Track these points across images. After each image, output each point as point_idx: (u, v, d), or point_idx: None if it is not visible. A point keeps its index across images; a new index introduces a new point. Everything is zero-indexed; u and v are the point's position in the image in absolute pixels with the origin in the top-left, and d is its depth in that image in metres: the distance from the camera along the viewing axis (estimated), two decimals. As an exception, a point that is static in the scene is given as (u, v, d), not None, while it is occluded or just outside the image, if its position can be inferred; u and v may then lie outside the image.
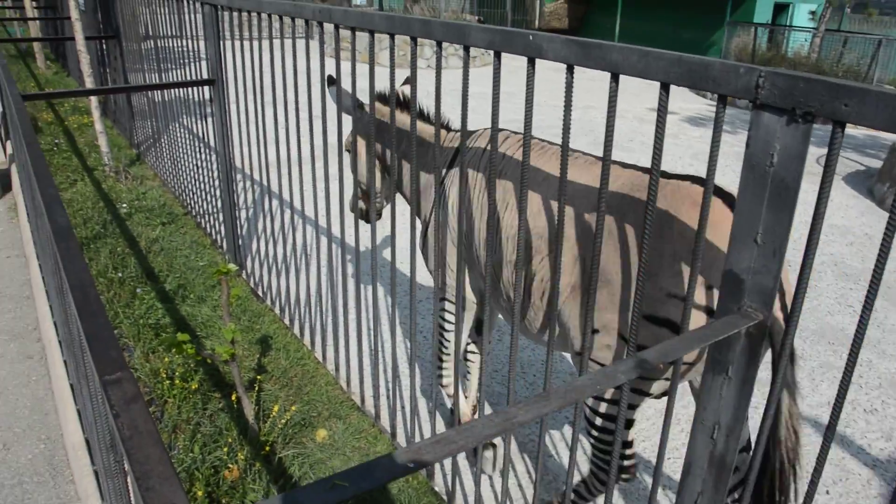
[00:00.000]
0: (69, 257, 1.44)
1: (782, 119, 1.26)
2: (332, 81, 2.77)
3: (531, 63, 1.75)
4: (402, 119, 2.66)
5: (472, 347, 2.89)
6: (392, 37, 2.21)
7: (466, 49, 1.92)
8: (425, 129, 2.64)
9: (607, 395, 2.07)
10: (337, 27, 2.50)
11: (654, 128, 1.47)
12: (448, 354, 2.75)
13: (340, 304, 3.77)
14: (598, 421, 2.13)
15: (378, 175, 2.90)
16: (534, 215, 2.16)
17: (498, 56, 1.84)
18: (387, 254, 4.73)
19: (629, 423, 2.17)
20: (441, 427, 3.09)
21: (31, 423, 3.14)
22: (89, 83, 6.07)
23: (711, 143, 1.39)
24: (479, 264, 2.37)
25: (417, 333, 3.77)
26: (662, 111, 1.47)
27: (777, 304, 1.55)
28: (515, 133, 2.38)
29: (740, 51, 15.40)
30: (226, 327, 2.57)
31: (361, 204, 3.13)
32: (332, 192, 2.96)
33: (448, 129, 2.67)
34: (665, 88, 1.46)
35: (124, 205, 5.24)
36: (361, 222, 3.56)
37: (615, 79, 1.55)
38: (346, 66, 10.89)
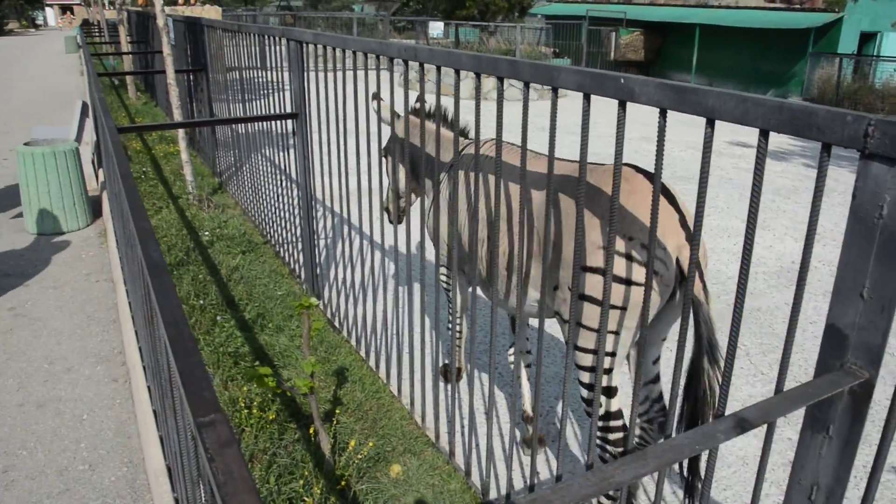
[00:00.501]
0: (163, 293, 1.48)
1: (893, 169, 1.20)
2: (376, 97, 3.21)
3: (622, 106, 1.72)
4: (432, 129, 3.04)
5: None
6: (478, 76, 2.22)
7: (555, 90, 1.91)
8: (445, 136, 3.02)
9: (587, 363, 2.34)
10: (422, 65, 2.52)
11: (752, 175, 1.43)
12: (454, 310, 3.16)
13: (417, 339, 3.77)
14: (585, 393, 2.40)
15: (404, 179, 3.21)
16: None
17: (587, 98, 1.82)
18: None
19: (610, 392, 2.39)
20: (518, 467, 3.04)
21: (115, 445, 3.22)
22: (177, 115, 6.30)
23: (814, 197, 1.34)
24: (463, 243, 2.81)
25: (496, 373, 3.73)
26: (761, 158, 1.42)
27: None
28: (510, 144, 2.70)
29: (824, 83, 15.00)
30: (305, 360, 2.59)
31: (390, 206, 3.47)
32: (409, 224, 2.97)
33: (466, 136, 3.07)
34: (764, 135, 1.41)
35: (206, 233, 5.38)
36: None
37: (710, 125, 1.51)
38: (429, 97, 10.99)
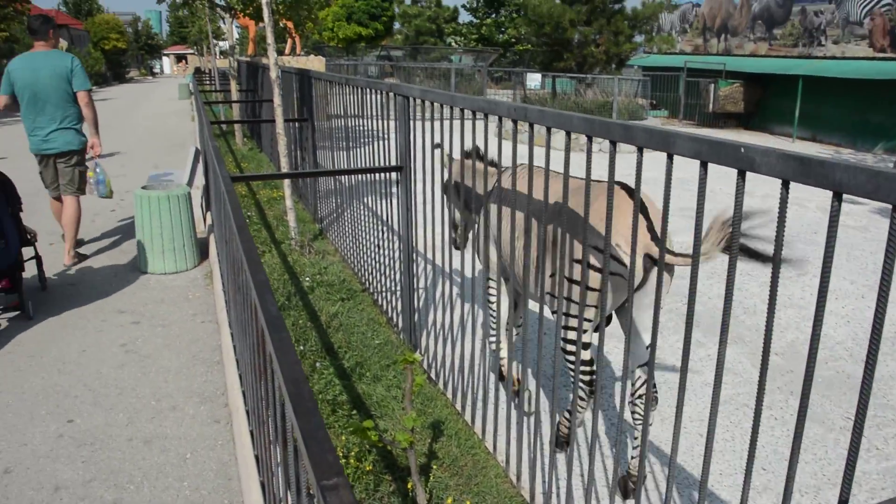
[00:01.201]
0: (282, 349, 1.52)
1: None
2: (438, 146, 3.87)
3: (741, 176, 1.69)
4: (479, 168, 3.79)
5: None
6: (589, 139, 2.22)
7: (670, 157, 1.90)
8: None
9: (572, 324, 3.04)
10: (532, 125, 2.54)
11: (884, 250, 1.37)
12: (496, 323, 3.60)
13: (513, 397, 3.74)
14: (569, 346, 3.09)
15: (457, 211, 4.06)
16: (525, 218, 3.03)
17: (704, 167, 1.80)
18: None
19: (586, 346, 3.02)
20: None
21: (216, 486, 3.29)
22: (284, 163, 6.53)
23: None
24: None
25: (595, 435, 3.67)
26: (893, 239, 1.37)
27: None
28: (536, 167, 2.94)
29: (939, 138, 14.35)
30: (406, 415, 2.61)
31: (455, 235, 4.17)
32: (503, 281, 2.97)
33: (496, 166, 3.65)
34: (896, 210, 1.36)
35: (307, 278, 5.52)
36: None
37: (837, 198, 1.47)
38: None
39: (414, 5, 40.19)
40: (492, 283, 3.71)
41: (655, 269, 2.53)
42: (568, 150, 2.32)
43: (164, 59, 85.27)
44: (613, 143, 2.12)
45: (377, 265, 5.13)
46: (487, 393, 3.65)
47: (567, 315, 3.02)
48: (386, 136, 4.72)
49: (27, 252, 5.44)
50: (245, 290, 2.55)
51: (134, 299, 5.61)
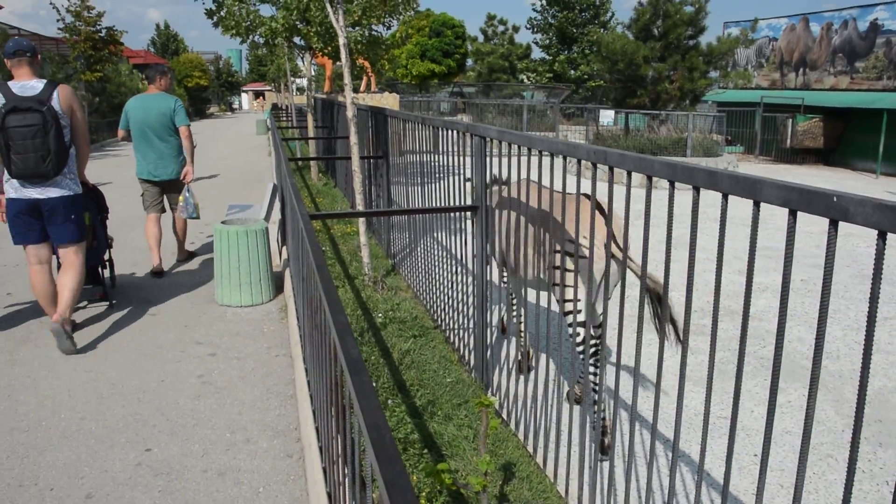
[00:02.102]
0: (363, 393, 1.52)
1: None
2: (468, 180, 4.44)
3: (833, 225, 1.63)
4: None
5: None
6: (672, 184, 2.18)
7: (756, 205, 1.85)
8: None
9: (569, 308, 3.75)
10: (611, 169, 2.52)
11: None
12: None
13: (587, 441, 3.67)
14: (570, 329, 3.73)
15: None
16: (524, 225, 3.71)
17: (793, 215, 1.74)
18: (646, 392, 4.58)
19: (582, 324, 3.68)
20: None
21: (288, 523, 3.31)
22: (359, 200, 6.63)
23: None
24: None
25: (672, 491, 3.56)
26: None
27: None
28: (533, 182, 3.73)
29: None
30: (480, 458, 2.58)
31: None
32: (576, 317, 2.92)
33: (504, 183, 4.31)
34: None
35: (380, 314, 5.56)
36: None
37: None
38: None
39: (487, 43, 40.65)
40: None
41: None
42: (649, 193, 2.29)
43: (243, 95, 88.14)
44: (696, 190, 2.08)
45: (450, 302, 5.13)
46: (560, 436, 3.58)
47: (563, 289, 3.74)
48: (458, 172, 4.75)
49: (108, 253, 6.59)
50: (323, 328, 2.57)
51: (211, 331, 5.74)
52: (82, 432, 4.09)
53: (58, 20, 27.22)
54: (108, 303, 6.44)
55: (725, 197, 1.96)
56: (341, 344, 1.81)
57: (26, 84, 5.08)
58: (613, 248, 3.48)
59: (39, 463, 3.76)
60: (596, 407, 3.72)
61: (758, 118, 24.81)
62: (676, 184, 2.14)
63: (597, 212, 3.13)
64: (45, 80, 5.15)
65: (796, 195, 1.70)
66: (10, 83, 5.07)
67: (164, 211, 7.59)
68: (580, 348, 3.79)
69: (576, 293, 3.11)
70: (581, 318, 3.69)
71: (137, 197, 7.91)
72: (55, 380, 4.81)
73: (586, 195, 3.24)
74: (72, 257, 5.43)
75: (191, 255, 8.25)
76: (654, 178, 2.26)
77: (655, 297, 3.73)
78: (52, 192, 5.18)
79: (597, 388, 3.81)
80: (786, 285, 1.80)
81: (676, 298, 5.91)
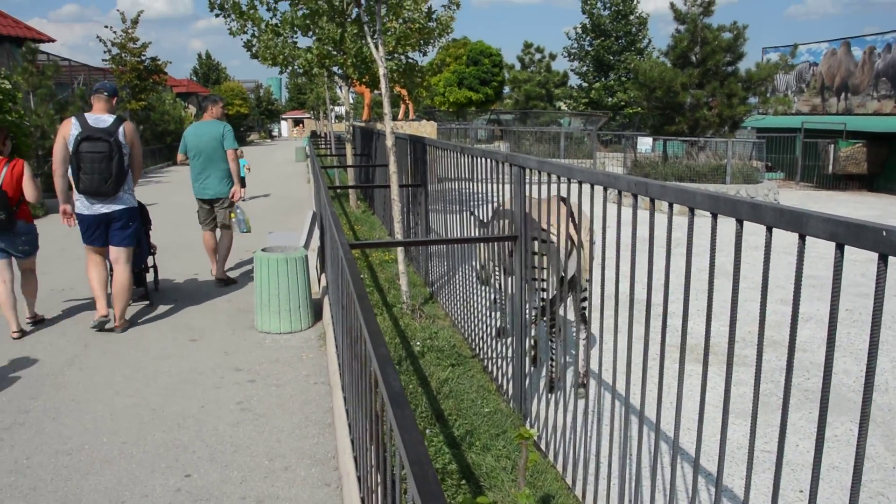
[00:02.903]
0: (405, 427, 1.52)
1: None
2: (472, 213, 5.63)
3: (882, 260, 1.60)
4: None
5: None
6: (714, 216, 2.17)
7: (802, 238, 1.82)
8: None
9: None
10: (652, 201, 2.50)
11: None
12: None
13: (627, 474, 3.62)
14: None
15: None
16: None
17: (840, 249, 1.72)
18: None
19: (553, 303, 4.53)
20: None
21: (325, 552, 3.30)
22: (398, 229, 6.67)
23: None
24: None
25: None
26: None
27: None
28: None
29: None
30: (520, 491, 2.56)
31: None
32: (619, 346, 2.90)
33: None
34: None
35: (418, 343, 5.56)
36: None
37: None
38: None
39: (524, 70, 40.83)
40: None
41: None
42: (691, 227, 2.27)
43: (283, 122, 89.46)
44: (740, 222, 2.06)
45: (488, 333, 5.12)
46: (599, 468, 3.54)
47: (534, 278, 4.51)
48: (495, 199, 4.76)
49: (150, 260, 7.70)
50: (363, 359, 2.58)
51: (250, 357, 5.79)
52: (124, 456, 4.14)
53: (104, 51, 28.04)
54: (148, 301, 7.46)
55: (770, 230, 1.94)
56: (383, 376, 1.81)
57: (100, 117, 6.06)
58: (573, 235, 4.33)
59: (82, 486, 3.81)
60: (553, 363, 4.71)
61: (798, 144, 24.51)
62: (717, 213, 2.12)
63: (563, 207, 4.16)
64: (114, 116, 6.15)
65: (843, 229, 1.67)
66: (87, 115, 6.06)
67: (217, 227, 8.27)
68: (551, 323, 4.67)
69: (547, 274, 4.28)
70: (545, 295, 4.45)
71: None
72: (98, 403, 4.89)
73: (562, 198, 4.03)
74: (122, 259, 6.38)
75: (229, 282, 8.38)
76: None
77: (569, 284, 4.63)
78: (116, 206, 6.19)
79: (554, 353, 4.73)
80: (833, 318, 1.76)
81: (717, 328, 5.84)
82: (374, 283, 7.58)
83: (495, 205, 5.12)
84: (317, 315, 6.82)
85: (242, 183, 8.39)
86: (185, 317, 6.96)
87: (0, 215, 6.02)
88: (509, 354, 4.62)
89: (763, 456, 4.27)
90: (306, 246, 7.34)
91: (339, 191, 15.43)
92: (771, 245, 1.98)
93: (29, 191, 6.24)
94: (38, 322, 6.70)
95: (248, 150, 43.10)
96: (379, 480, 2.60)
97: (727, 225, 2.42)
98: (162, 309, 7.22)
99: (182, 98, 46.65)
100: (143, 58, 28.80)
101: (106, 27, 39.80)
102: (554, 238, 4.37)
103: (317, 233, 7.94)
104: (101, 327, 6.37)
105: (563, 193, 3.69)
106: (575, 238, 4.19)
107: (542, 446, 4.09)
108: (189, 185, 8.47)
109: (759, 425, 4.49)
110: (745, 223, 2.05)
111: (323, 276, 7.47)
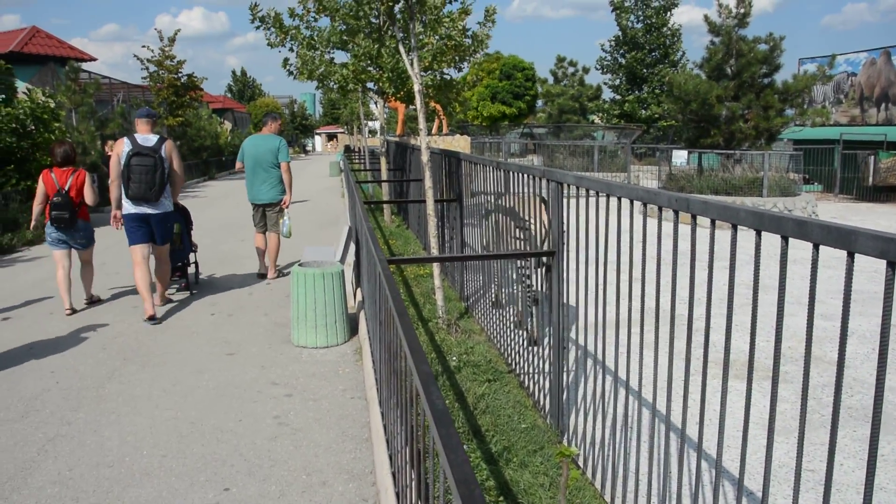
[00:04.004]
0: (451, 447, 1.52)
1: None
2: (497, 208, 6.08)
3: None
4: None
5: None
6: (758, 233, 2.14)
7: (850, 255, 1.79)
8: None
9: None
10: (694, 217, 2.48)
11: None
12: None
13: (669, 494, 3.57)
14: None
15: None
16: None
17: (892, 267, 1.68)
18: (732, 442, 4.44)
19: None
20: None
21: (363, 568, 3.30)
22: (433, 244, 6.68)
23: None
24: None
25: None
26: None
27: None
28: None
29: None
30: (560, 509, 2.53)
31: None
32: (660, 362, 2.86)
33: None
34: None
35: (454, 358, 5.56)
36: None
37: None
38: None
39: (557, 84, 40.78)
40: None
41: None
42: (734, 244, 2.24)
43: (316, 137, 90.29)
44: (785, 239, 2.03)
45: (524, 348, 5.09)
46: (639, 486, 3.50)
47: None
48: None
49: (192, 257, 8.93)
50: (403, 375, 2.59)
51: (287, 372, 5.82)
52: (163, 470, 4.18)
53: (142, 69, 28.57)
54: (189, 292, 8.71)
55: (816, 247, 1.91)
56: (426, 395, 1.81)
57: (147, 137, 7.35)
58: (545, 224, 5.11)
59: (123, 499, 3.85)
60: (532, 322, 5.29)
61: (837, 156, 24.14)
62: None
63: (543, 205, 5.00)
64: (158, 136, 7.43)
65: (894, 246, 1.64)
66: (136, 135, 7.33)
67: (267, 229, 9.26)
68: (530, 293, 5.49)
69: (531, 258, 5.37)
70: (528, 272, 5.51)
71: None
72: (138, 416, 4.95)
73: (542, 198, 4.93)
74: (164, 253, 7.80)
75: (282, 273, 9.62)
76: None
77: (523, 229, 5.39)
78: (157, 210, 7.41)
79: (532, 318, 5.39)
80: (885, 336, 1.73)
81: (761, 347, 5.75)
82: (409, 297, 7.59)
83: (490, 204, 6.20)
84: (353, 330, 6.85)
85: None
86: (221, 331, 7.03)
87: (65, 214, 7.46)
88: (546, 368, 4.60)
89: (805, 475, 4.18)
90: (342, 260, 7.38)
91: (373, 205, 15.51)
92: (817, 263, 1.95)
93: (88, 195, 7.68)
94: (95, 302, 8.21)
95: (282, 164, 43.54)
96: (416, 496, 2.60)
97: (764, 238, 2.39)
98: (199, 322, 7.30)
99: (218, 114, 47.37)
100: (180, 74, 29.29)
101: (143, 46, 40.59)
102: (533, 227, 5.23)
103: (352, 247, 7.98)
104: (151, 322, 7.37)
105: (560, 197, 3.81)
106: (547, 226, 4.80)
107: (580, 462, 4.05)
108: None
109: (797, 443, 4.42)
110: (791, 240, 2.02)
111: (358, 290, 7.50)
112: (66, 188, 7.49)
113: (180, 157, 7.66)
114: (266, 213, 9.17)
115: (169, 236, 7.74)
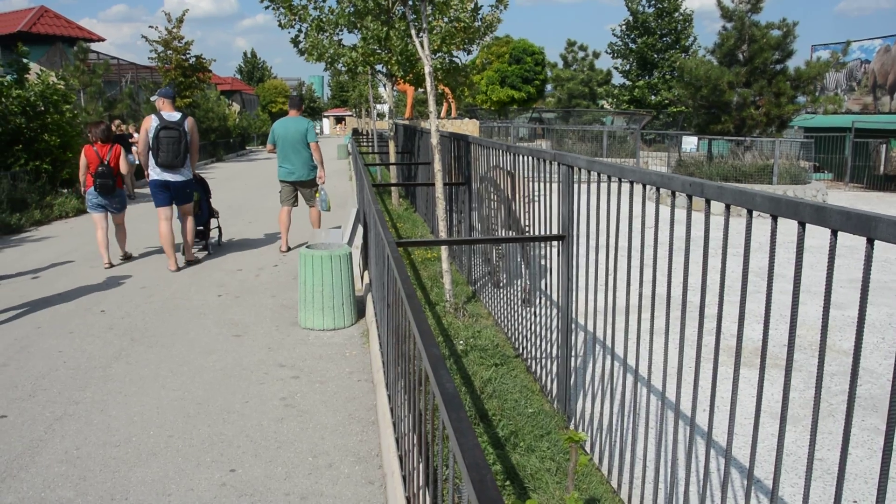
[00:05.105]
0: (461, 430, 1.50)
1: None
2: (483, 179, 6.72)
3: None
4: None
5: None
6: (774, 218, 2.10)
7: (870, 242, 1.76)
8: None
9: None
10: (708, 202, 2.44)
11: None
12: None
13: (677, 480, 3.55)
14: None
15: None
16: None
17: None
18: (744, 428, 4.42)
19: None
20: None
21: (369, 551, 3.30)
22: (442, 227, 6.66)
23: None
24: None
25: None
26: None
27: None
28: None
29: None
30: (568, 495, 2.52)
31: None
32: (669, 347, 2.84)
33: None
34: None
35: (461, 342, 5.54)
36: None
37: None
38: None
39: (567, 69, 40.56)
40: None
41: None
42: (749, 229, 2.21)
43: (324, 120, 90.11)
44: (802, 225, 2.00)
45: (531, 332, 5.07)
46: (646, 472, 3.49)
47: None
48: (538, 197, 4.72)
49: (213, 223, 10.45)
50: (411, 357, 2.57)
51: (294, 354, 5.82)
52: (170, 450, 4.19)
53: (150, 50, 28.52)
54: (208, 252, 10.06)
55: (834, 233, 1.88)
56: (436, 378, 1.79)
57: (171, 114, 8.67)
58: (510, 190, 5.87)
59: (129, 478, 3.86)
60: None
61: (848, 144, 23.95)
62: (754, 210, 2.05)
63: (510, 178, 5.70)
64: (180, 113, 8.75)
65: (916, 233, 1.61)
66: (161, 113, 8.64)
67: (295, 205, 9.92)
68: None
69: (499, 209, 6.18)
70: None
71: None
72: (145, 396, 4.95)
73: (509, 172, 5.72)
74: (188, 211, 9.09)
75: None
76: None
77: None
78: (179, 176, 8.77)
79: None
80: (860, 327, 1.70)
81: (770, 335, 5.71)
82: (417, 280, 7.57)
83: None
84: (360, 312, 6.84)
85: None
86: (229, 312, 7.03)
87: (108, 182, 8.90)
88: (553, 353, 4.58)
89: (814, 464, 4.16)
90: (350, 242, 7.36)
91: (381, 188, 15.47)
92: (835, 249, 1.91)
93: (123, 166, 9.13)
94: (128, 259, 9.64)
95: (290, 147, 43.57)
96: (423, 479, 2.58)
97: (765, 224, 2.35)
98: (206, 303, 7.31)
99: (226, 96, 47.29)
100: (188, 55, 29.23)
101: (151, 27, 40.50)
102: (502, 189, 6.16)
103: (360, 230, 7.96)
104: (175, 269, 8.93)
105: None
106: (511, 191, 5.77)
107: (587, 447, 4.04)
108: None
109: (806, 432, 4.40)
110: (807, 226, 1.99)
111: (366, 273, 7.49)
112: (107, 160, 8.90)
113: (197, 133, 9.01)
114: (299, 191, 9.87)
115: (188, 200, 9.02)
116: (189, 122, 8.74)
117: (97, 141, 9.06)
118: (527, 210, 5.51)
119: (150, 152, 8.59)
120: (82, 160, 8.99)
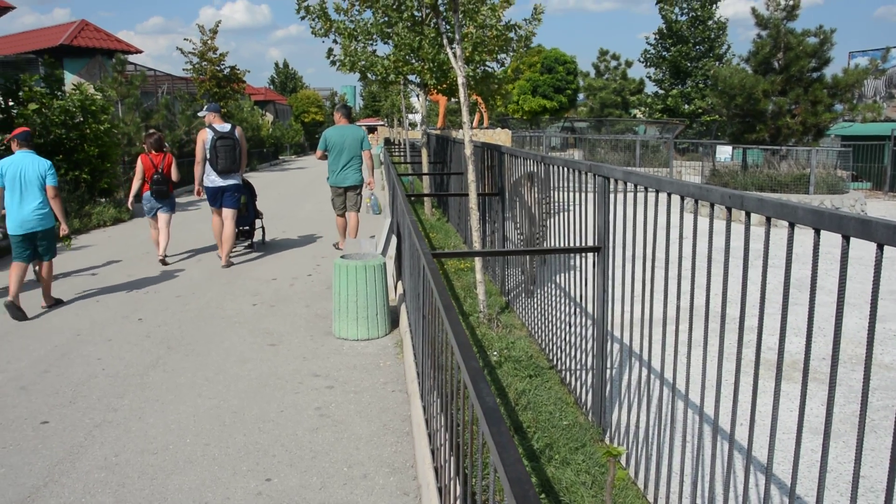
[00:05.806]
0: (502, 444, 1.50)
1: None
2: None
3: None
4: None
5: None
6: (817, 232, 2.07)
7: (921, 253, 1.73)
8: None
9: None
10: (748, 214, 2.42)
11: None
12: None
13: (718, 496, 3.51)
14: None
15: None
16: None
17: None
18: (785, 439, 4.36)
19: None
20: None
21: (404, 562, 3.29)
22: (476, 238, 6.66)
23: None
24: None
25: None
26: None
27: None
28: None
29: None
30: (607, 509, 2.50)
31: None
32: (707, 359, 2.80)
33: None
34: None
35: (495, 353, 5.53)
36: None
37: None
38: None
39: (599, 78, 40.42)
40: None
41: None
42: (790, 243, 2.18)
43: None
44: (846, 239, 1.97)
45: (566, 344, 5.05)
46: (683, 487, 3.44)
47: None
48: (571, 207, 4.70)
49: (258, 223, 11.43)
50: (448, 369, 2.57)
51: (328, 364, 5.85)
52: (207, 458, 4.23)
53: (186, 62, 28.96)
54: (252, 250, 11.13)
55: (880, 247, 1.85)
56: (475, 390, 1.79)
57: (222, 126, 9.58)
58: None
59: (167, 486, 3.90)
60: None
61: (888, 152, 23.53)
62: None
63: (528, 181, 6.07)
64: (230, 124, 9.70)
65: (967, 248, 1.58)
66: (214, 125, 9.53)
67: (347, 210, 10.41)
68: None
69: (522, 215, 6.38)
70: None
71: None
72: (181, 405, 5.01)
73: (529, 173, 6.06)
74: (230, 217, 9.76)
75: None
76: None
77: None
78: (231, 181, 9.68)
79: None
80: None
81: (800, 344, 5.61)
82: (450, 291, 7.58)
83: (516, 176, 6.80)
84: (394, 323, 6.86)
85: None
86: (264, 321, 7.09)
87: (164, 188, 9.79)
88: (588, 364, 4.55)
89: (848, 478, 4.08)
90: (384, 252, 7.39)
91: (413, 198, 15.52)
92: (881, 264, 1.88)
93: (174, 173, 9.97)
94: (164, 263, 10.04)
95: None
96: (460, 491, 2.58)
97: (806, 236, 2.31)
98: (242, 312, 7.38)
99: (259, 106, 47.81)
100: (223, 66, 29.62)
101: (186, 39, 41.13)
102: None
103: (393, 240, 7.99)
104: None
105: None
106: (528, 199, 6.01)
107: (623, 461, 4.00)
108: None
109: (846, 448, 4.32)
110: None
111: (399, 283, 7.51)
112: (161, 168, 9.78)
113: (245, 140, 9.95)
114: (347, 195, 10.34)
115: (235, 205, 9.81)
116: (238, 131, 9.70)
117: (151, 150, 9.90)
118: (545, 211, 5.67)
119: (208, 161, 9.46)
120: (138, 168, 9.82)
